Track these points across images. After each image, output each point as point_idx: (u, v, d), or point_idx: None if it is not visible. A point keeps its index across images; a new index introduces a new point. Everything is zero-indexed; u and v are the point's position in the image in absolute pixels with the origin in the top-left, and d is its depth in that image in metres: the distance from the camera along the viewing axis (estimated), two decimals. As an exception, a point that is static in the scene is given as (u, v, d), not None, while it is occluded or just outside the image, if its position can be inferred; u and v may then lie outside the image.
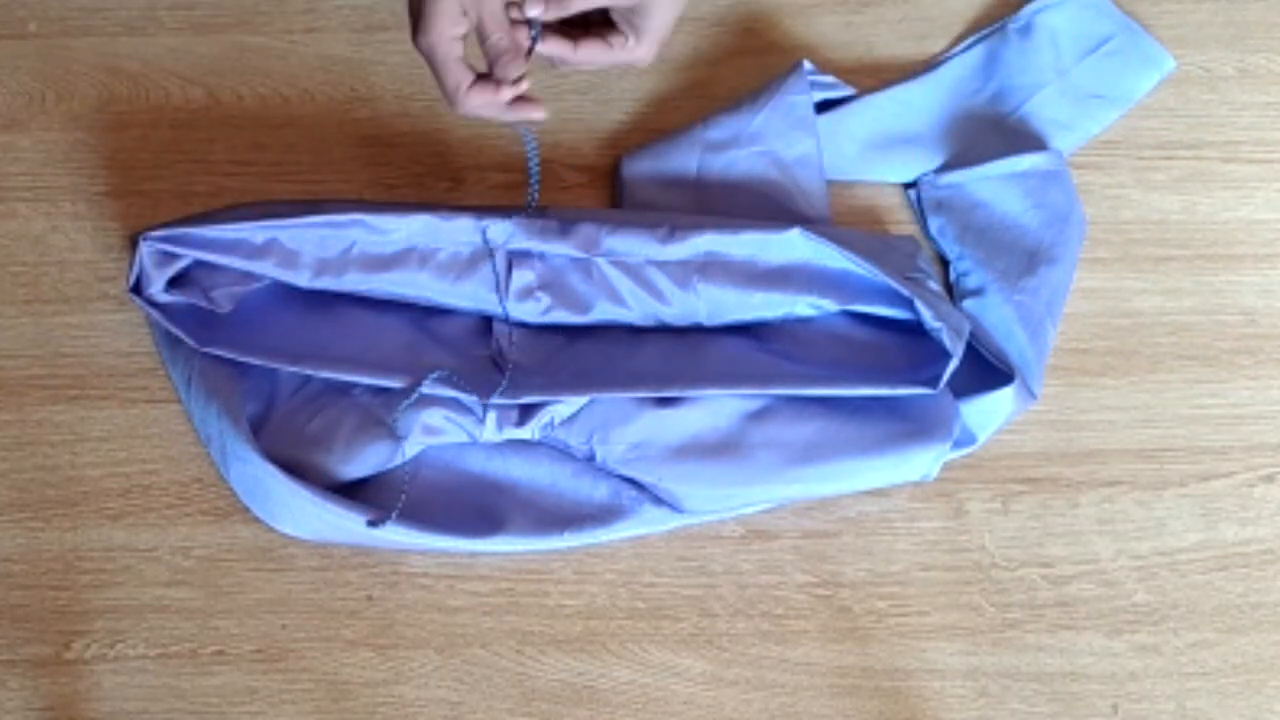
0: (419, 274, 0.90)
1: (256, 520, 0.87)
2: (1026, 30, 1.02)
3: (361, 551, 0.87)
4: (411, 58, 0.93)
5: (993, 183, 0.97)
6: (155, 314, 0.88)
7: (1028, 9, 1.02)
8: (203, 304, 0.88)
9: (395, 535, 0.84)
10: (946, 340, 0.86)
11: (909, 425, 0.87)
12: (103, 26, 1.00)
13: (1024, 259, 0.94)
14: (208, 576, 0.86)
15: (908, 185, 0.99)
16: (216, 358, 0.87)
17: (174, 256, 0.88)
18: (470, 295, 0.90)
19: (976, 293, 0.94)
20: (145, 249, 0.87)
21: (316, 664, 0.85)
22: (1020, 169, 0.96)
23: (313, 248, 0.89)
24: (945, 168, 0.98)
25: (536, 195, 0.89)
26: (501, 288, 0.90)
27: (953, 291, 0.95)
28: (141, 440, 0.89)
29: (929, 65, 1.02)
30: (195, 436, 0.89)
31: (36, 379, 0.91)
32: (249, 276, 0.89)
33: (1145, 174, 0.99)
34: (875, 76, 1.01)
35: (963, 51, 1.02)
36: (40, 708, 0.83)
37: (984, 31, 1.02)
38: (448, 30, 0.79)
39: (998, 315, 0.92)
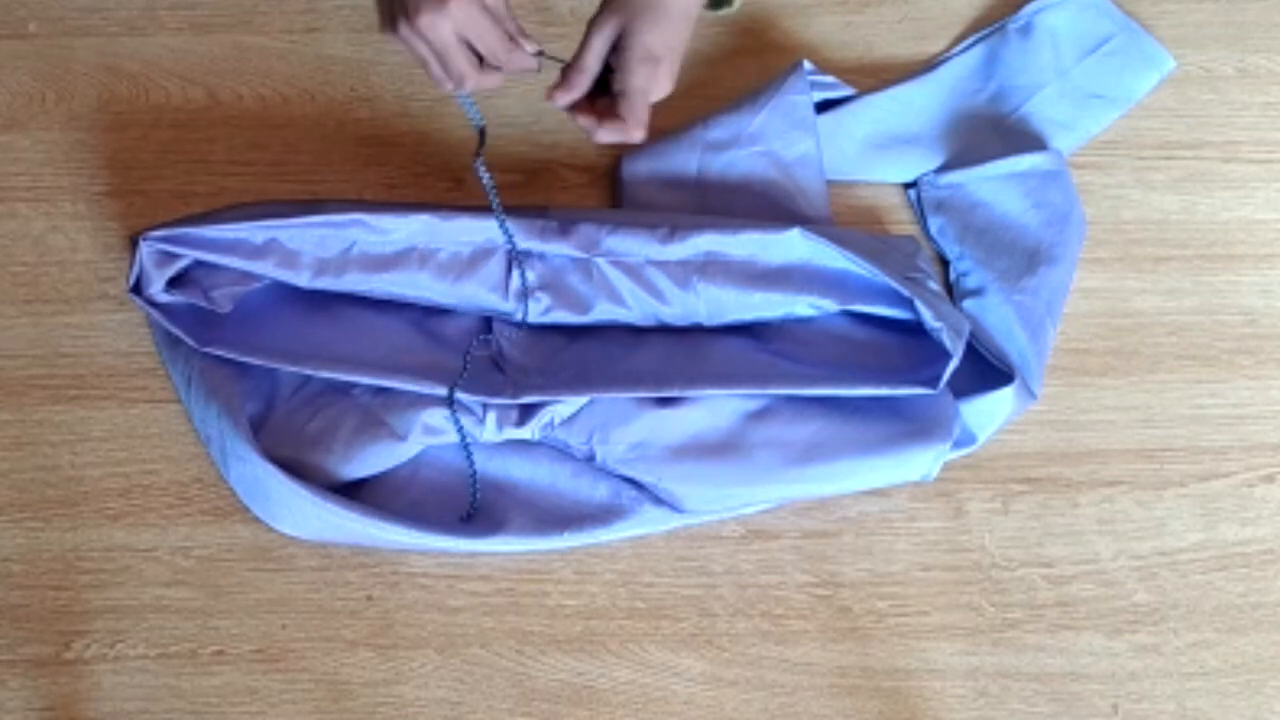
0: (419, 274, 0.90)
1: (256, 520, 0.87)
2: (1026, 30, 1.02)
3: (361, 551, 0.87)
4: (411, 60, 0.93)
5: (993, 183, 0.97)
6: (155, 314, 0.88)
7: (1028, 9, 1.02)
8: (203, 304, 0.88)
9: (395, 535, 0.84)
10: (946, 341, 0.86)
11: (909, 425, 0.86)
12: (103, 26, 1.00)
13: (1024, 259, 0.94)
14: (208, 576, 0.86)
15: (908, 185, 0.99)
16: (216, 358, 0.88)
17: (174, 256, 0.88)
18: (470, 295, 0.90)
19: (976, 293, 0.94)
20: (145, 249, 0.87)
21: (316, 664, 0.85)
22: (1020, 169, 0.96)
23: (312, 247, 0.89)
24: (945, 168, 0.98)
25: (481, 157, 0.87)
26: (504, 288, 0.91)
27: (953, 291, 0.95)
28: (141, 440, 0.89)
29: (929, 65, 1.02)
30: (195, 436, 0.89)
31: (36, 379, 0.91)
32: (249, 276, 0.89)
33: (1145, 174, 0.99)
34: (875, 76, 1.01)
35: (962, 51, 1.02)
36: (40, 708, 0.83)
37: (984, 31, 1.02)
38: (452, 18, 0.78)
39: (998, 315, 0.92)
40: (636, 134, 0.85)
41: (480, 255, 0.90)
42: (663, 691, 0.85)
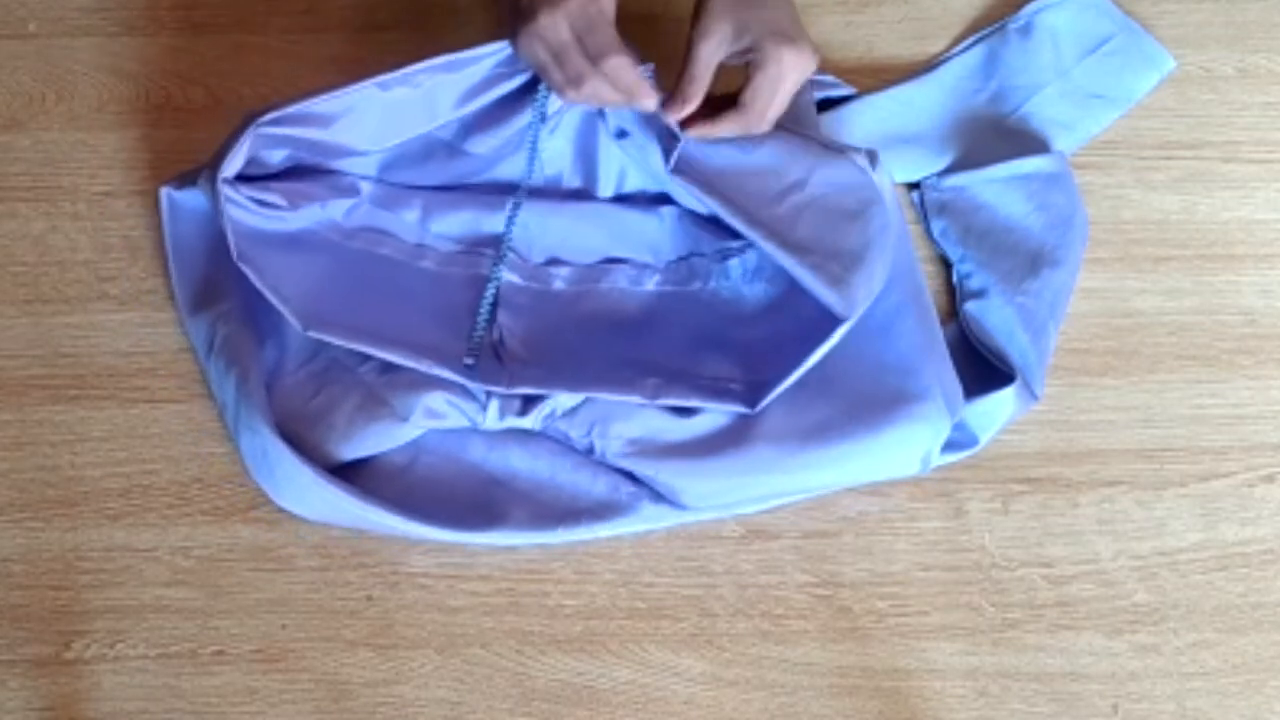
0: (484, 96, 0.90)
1: (257, 520, 0.87)
2: (1027, 30, 1.02)
3: (362, 551, 0.87)
4: (411, 58, 0.93)
5: (996, 185, 0.97)
6: (223, 196, 0.86)
7: (1028, 9, 1.03)
8: (277, 209, 0.89)
9: (394, 523, 0.84)
10: (836, 307, 0.85)
11: (909, 407, 0.86)
12: (103, 26, 1.00)
13: (1027, 261, 0.94)
14: (208, 576, 0.87)
15: (911, 187, 0.99)
16: (240, 327, 0.88)
17: (269, 141, 0.88)
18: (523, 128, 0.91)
19: (979, 294, 0.94)
20: (253, 135, 0.86)
21: (316, 664, 0.85)
22: (1023, 171, 0.96)
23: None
24: (948, 170, 0.98)
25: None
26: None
27: (956, 293, 0.95)
28: (141, 440, 0.89)
29: (929, 65, 1.02)
30: (195, 436, 0.89)
31: (36, 379, 0.91)
32: (314, 190, 0.90)
33: (1145, 174, 0.99)
34: (875, 76, 1.01)
35: (963, 51, 1.02)
36: (40, 708, 0.83)
37: (984, 31, 1.02)
38: None
39: (1000, 317, 0.92)
40: (762, 124, 0.87)
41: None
42: (663, 691, 0.85)
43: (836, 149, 0.90)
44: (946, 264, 0.96)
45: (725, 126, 0.87)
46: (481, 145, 0.92)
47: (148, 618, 0.85)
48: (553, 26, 0.83)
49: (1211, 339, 0.95)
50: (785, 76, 0.85)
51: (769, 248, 0.87)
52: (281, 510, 0.88)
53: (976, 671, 0.86)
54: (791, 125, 0.95)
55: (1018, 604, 0.88)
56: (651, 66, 0.87)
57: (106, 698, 0.84)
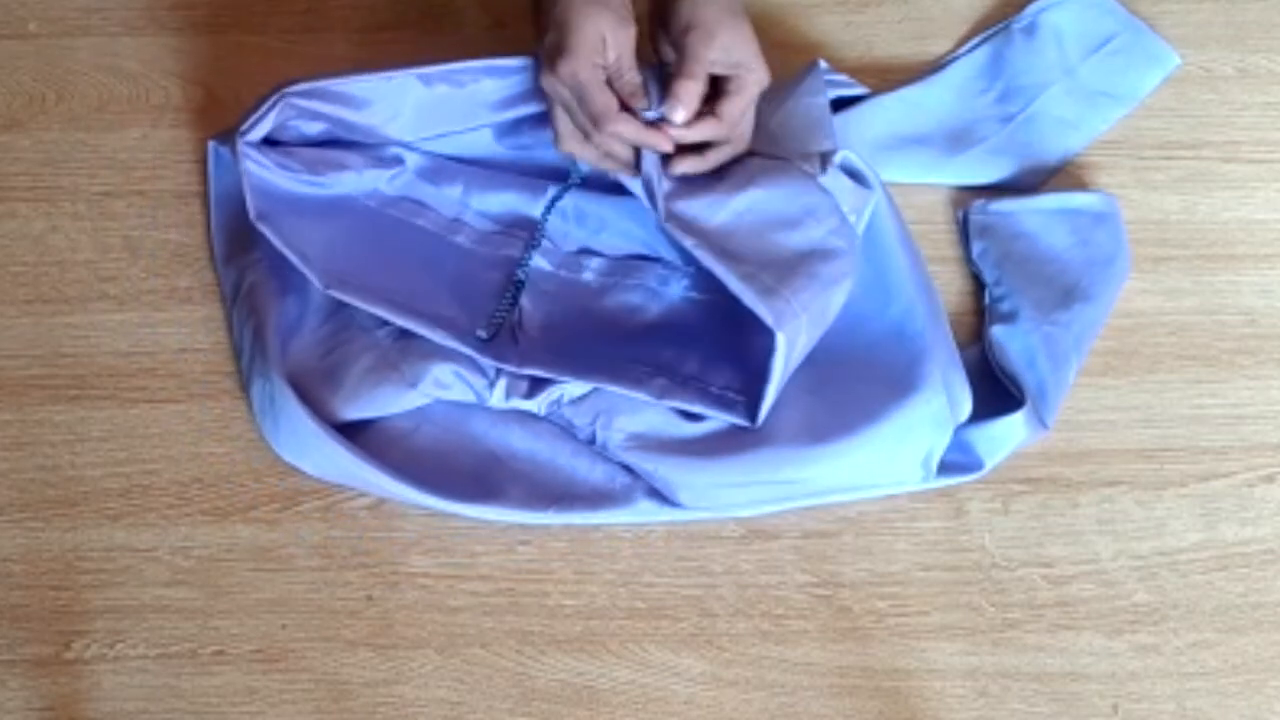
0: (525, 107, 0.90)
1: (257, 520, 0.87)
2: (1031, 30, 1.02)
3: (362, 551, 0.87)
4: (412, 58, 0.93)
5: (1042, 215, 0.96)
6: (246, 160, 0.87)
7: (1032, 8, 1.03)
8: (302, 174, 0.89)
9: (390, 486, 0.85)
10: (767, 319, 0.83)
11: (912, 406, 0.86)
12: (103, 26, 1.00)
13: (1060, 292, 0.93)
14: (208, 576, 0.87)
15: (963, 193, 0.98)
16: (266, 277, 0.89)
17: (295, 112, 0.88)
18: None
19: (1008, 318, 0.93)
20: (281, 104, 0.87)
21: (316, 664, 0.85)
22: (1072, 206, 0.96)
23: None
24: (996, 196, 0.98)
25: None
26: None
27: (986, 315, 0.94)
28: (141, 440, 0.89)
29: (936, 66, 1.02)
30: (195, 436, 0.89)
31: (36, 379, 0.91)
32: (350, 159, 0.91)
33: (1145, 174, 0.99)
34: (876, 76, 1.01)
35: (968, 52, 1.02)
36: (40, 708, 0.84)
37: (988, 31, 1.03)
38: (593, 57, 0.82)
39: (1024, 343, 0.92)
40: (743, 143, 0.88)
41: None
42: (663, 691, 0.85)
43: (778, 155, 0.89)
44: (981, 284, 0.96)
45: (714, 156, 0.87)
46: (525, 141, 0.94)
47: (148, 618, 0.85)
48: (551, 87, 0.84)
49: (1211, 339, 0.95)
50: (756, 97, 0.87)
51: (705, 259, 0.84)
52: (282, 510, 0.88)
53: (976, 671, 0.86)
54: (808, 132, 0.95)
55: (1018, 604, 0.88)
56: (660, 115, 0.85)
57: (106, 698, 0.84)
